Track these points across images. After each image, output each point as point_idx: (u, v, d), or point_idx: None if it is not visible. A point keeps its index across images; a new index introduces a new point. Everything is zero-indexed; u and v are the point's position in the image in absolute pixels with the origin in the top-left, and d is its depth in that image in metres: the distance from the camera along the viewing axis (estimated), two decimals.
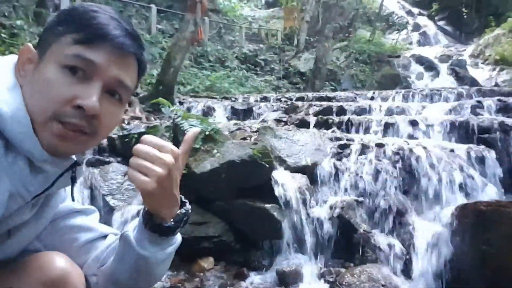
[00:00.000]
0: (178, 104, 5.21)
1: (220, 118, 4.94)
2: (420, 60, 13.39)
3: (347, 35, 16.01)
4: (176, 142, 3.38)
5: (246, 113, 5.20)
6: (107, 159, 3.49)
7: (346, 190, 3.14)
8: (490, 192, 2.84)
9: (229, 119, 5.00)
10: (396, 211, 2.92)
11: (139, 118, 4.74)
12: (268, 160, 3.05)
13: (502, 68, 12.08)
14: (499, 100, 4.00)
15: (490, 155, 3.10)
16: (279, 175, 3.12)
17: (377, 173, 3.14)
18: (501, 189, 2.93)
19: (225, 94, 7.65)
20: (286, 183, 3.07)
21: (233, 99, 6.15)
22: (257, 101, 5.82)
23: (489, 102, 3.94)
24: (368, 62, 13.60)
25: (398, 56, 14.09)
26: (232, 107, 5.43)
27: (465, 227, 2.43)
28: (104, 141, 3.62)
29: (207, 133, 3.27)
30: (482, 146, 3.24)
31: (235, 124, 4.44)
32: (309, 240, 2.86)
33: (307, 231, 2.88)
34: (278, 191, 2.99)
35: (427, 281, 2.50)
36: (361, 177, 3.15)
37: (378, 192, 3.03)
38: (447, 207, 2.73)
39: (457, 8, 19.51)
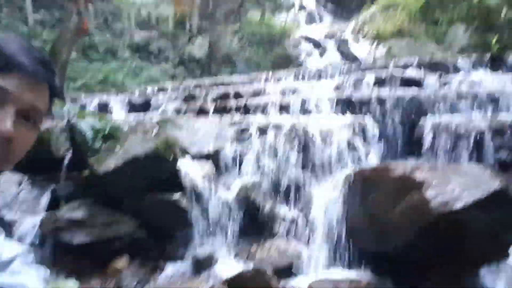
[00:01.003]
0: (70, 102, 4.92)
1: (118, 113, 4.79)
2: (308, 39, 14.16)
3: (237, 17, 16.23)
4: (75, 145, 3.25)
5: (145, 106, 5.10)
6: None
7: (249, 172, 3.31)
8: (373, 158, 3.23)
9: (127, 113, 4.87)
10: (296, 186, 3.18)
11: None
12: (172, 152, 3.10)
13: (378, 43, 13.34)
14: (375, 75, 4.50)
15: (370, 124, 3.50)
16: (185, 164, 3.18)
17: (276, 152, 3.36)
18: (380, 152, 3.35)
19: (120, 87, 7.35)
20: (192, 172, 3.15)
21: (129, 92, 5.97)
22: (154, 92, 5.73)
23: (367, 77, 4.42)
24: (261, 43, 14.01)
25: (288, 36, 14.72)
26: (129, 101, 5.29)
27: (354, 191, 2.75)
28: None
29: (106, 131, 3.19)
30: (364, 117, 3.63)
31: (135, 118, 4.37)
32: (220, 224, 2.99)
33: (217, 216, 3.00)
34: (184, 180, 3.06)
35: (329, 245, 2.79)
36: (262, 158, 3.35)
37: (279, 169, 3.26)
38: (338, 175, 3.05)
39: None
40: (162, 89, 5.75)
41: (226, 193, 3.14)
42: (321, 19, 20.73)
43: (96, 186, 2.96)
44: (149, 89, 5.88)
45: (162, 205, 2.99)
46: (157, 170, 3.03)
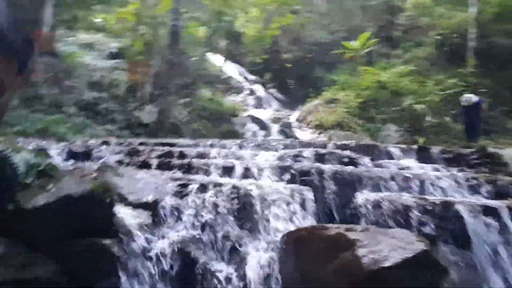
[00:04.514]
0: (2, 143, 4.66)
1: (56, 159, 4.60)
2: (255, 120, 14.79)
3: (189, 92, 16.75)
4: (5, 178, 3.05)
5: (85, 156, 4.94)
6: None
7: (186, 226, 3.26)
8: (309, 223, 3.32)
9: (66, 160, 4.68)
10: (233, 244, 3.15)
11: None
12: (109, 196, 3.00)
13: (320, 132, 14.25)
14: (315, 151, 4.78)
15: (309, 193, 3.64)
16: (121, 211, 3.08)
17: (215, 209, 3.36)
18: (316, 219, 3.46)
19: (61, 138, 7.11)
20: (127, 219, 3.04)
21: (70, 142, 5.79)
22: (97, 144, 5.61)
23: (308, 152, 4.68)
24: (209, 118, 14.40)
25: (236, 115, 15.31)
26: (69, 149, 5.11)
27: (288, 251, 2.78)
28: None
29: (41, 167, 3.05)
30: (303, 186, 3.78)
31: (73, 165, 4.22)
32: (150, 275, 2.85)
33: (149, 266, 2.86)
34: (119, 227, 2.94)
35: None
36: (201, 213, 3.32)
37: (216, 227, 3.24)
38: (275, 236, 3.09)
39: (284, 80, 22.43)
40: (105, 142, 5.65)
41: (161, 244, 3.04)
42: (268, 105, 21.90)
43: (20, 223, 2.75)
44: (92, 141, 5.75)
45: (91, 250, 2.81)
46: (91, 212, 2.89)
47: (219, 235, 3.20)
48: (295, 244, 2.74)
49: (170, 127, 12.41)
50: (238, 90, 21.17)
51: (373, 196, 3.60)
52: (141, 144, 5.57)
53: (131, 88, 16.93)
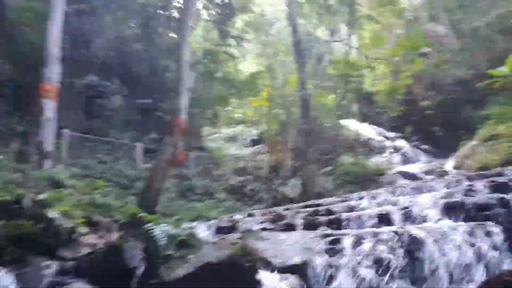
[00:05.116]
0: None
1: (203, 235, 4.57)
2: (406, 175, 13.53)
3: (330, 160, 16.43)
4: (148, 253, 3.01)
5: (231, 229, 4.84)
6: None
7: (344, 286, 2.69)
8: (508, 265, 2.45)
9: (213, 236, 4.62)
10: None
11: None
12: (250, 259, 2.67)
13: None
14: (491, 181, 3.83)
15: (496, 228, 2.78)
16: (266, 277, 2.70)
17: (377, 263, 2.74)
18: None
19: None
20: (274, 285, 2.64)
21: (219, 219, 5.84)
22: (243, 217, 5.52)
23: (480, 184, 3.76)
24: (354, 182, 13.68)
25: (383, 174, 14.28)
26: (217, 226, 5.10)
27: None
28: None
29: (180, 237, 2.93)
30: (488, 222, 2.93)
31: (218, 237, 4.09)
32: None
33: None
34: None
35: None
36: (359, 270, 2.74)
37: (380, 283, 2.60)
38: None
39: (428, 129, 20.65)
40: (251, 215, 5.53)
41: None
42: (416, 160, 20.17)
43: None
44: (238, 216, 5.71)
45: None
46: (232, 279, 2.58)
47: None
48: None
49: (315, 197, 12.04)
50: (380, 150, 20.10)
51: None
52: (285, 209, 5.29)
53: (274, 168, 17.42)
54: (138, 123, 15.53)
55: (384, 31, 19.32)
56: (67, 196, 5.29)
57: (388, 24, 19.21)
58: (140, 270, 2.92)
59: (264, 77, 20.21)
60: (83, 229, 3.87)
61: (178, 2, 16.60)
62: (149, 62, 17.20)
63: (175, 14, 16.89)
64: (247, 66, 24.58)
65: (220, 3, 18.36)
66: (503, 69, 16.61)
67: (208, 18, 19.51)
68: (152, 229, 2.95)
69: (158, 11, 16.61)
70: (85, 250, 3.46)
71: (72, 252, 3.46)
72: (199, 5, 17.23)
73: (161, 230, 2.95)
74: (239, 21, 21.49)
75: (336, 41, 23.26)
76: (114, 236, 4.84)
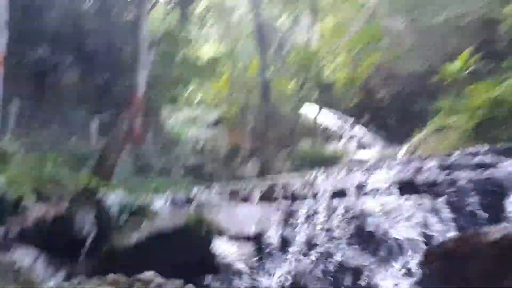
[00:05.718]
0: None
1: (157, 206, 4.49)
2: (361, 161, 13.95)
3: (288, 144, 16.63)
4: (101, 220, 2.92)
5: (187, 202, 4.78)
6: None
7: (298, 257, 2.74)
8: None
9: (166, 206, 4.55)
10: (355, 272, 2.54)
11: None
12: (206, 229, 2.66)
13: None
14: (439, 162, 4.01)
15: (442, 204, 2.92)
16: (220, 245, 2.70)
17: (329, 234, 2.81)
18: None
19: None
20: (228, 254, 2.64)
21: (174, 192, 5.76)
22: (199, 191, 5.48)
23: (429, 164, 3.95)
24: (312, 166, 13.93)
25: (340, 161, 14.66)
26: (172, 198, 5.02)
27: (436, 271, 2.10)
28: None
29: (133, 207, 2.86)
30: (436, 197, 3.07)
31: (173, 209, 4.03)
32: None
33: None
34: (219, 262, 2.55)
35: None
36: (312, 241, 2.80)
37: (332, 254, 2.67)
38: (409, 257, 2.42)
39: (384, 118, 21.30)
40: (208, 189, 5.51)
41: (267, 281, 2.56)
42: (371, 146, 20.79)
43: (114, 263, 2.52)
44: (195, 189, 5.66)
45: None
46: (187, 248, 2.56)
47: (336, 263, 2.61)
48: (445, 262, 2.05)
49: (273, 178, 12.17)
50: (337, 136, 20.58)
51: None
52: (243, 185, 5.30)
53: (234, 149, 17.42)
54: (93, 99, 14.97)
55: (345, 22, 19.57)
56: (15, 167, 5.04)
57: (349, 17, 19.48)
58: (90, 239, 2.84)
59: (226, 62, 20.00)
60: (31, 200, 3.70)
61: None
62: (106, 38, 16.53)
63: None
64: (209, 50, 24.20)
65: None
66: (454, 65, 17.31)
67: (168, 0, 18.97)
68: (104, 198, 2.86)
69: None
70: (32, 220, 3.31)
71: (18, 221, 3.30)
72: None
73: (113, 199, 2.87)
74: (200, 5, 21.02)
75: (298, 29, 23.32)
76: (64, 206, 4.68)
